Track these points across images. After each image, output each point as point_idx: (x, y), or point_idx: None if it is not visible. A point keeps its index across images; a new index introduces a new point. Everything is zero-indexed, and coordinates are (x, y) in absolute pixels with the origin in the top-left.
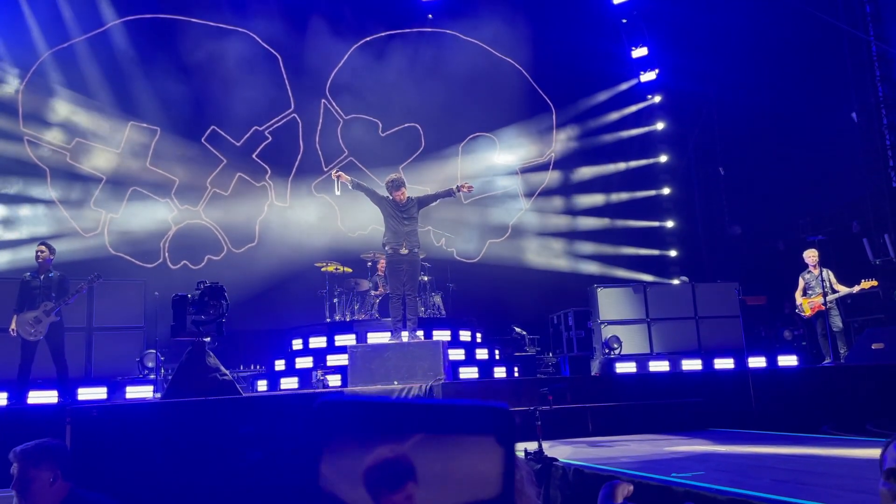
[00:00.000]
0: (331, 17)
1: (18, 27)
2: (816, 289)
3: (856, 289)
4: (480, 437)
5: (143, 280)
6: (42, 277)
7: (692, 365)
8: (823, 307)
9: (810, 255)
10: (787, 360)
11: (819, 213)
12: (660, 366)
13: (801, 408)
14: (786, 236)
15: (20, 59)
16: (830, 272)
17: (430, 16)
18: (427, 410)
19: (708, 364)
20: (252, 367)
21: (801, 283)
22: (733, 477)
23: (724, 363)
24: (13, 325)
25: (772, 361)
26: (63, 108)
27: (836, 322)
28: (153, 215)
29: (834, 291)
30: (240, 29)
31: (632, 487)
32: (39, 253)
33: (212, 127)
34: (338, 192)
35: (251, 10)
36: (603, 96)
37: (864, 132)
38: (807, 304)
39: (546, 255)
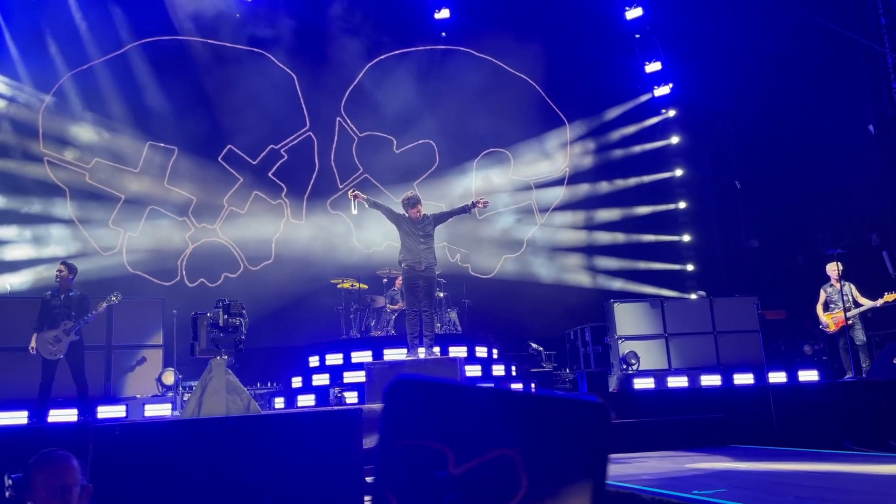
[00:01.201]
0: (345, 36)
1: (39, 50)
2: (839, 303)
3: (879, 302)
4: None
5: (161, 298)
6: (62, 297)
7: (711, 380)
8: (846, 322)
9: (832, 269)
10: (808, 375)
11: (838, 226)
12: (678, 381)
13: (822, 423)
14: (804, 250)
15: (41, 82)
16: (853, 286)
17: (443, 34)
18: (515, 399)
19: (727, 379)
20: (269, 385)
21: (823, 296)
22: (756, 494)
23: (743, 378)
24: (33, 344)
25: (792, 376)
26: (82, 128)
27: (860, 336)
28: (171, 234)
29: (857, 305)
30: (256, 49)
31: None
32: (59, 272)
33: (228, 146)
34: (354, 211)
35: (267, 30)
36: (617, 111)
37: (882, 144)
38: (831, 320)
39: (562, 271)
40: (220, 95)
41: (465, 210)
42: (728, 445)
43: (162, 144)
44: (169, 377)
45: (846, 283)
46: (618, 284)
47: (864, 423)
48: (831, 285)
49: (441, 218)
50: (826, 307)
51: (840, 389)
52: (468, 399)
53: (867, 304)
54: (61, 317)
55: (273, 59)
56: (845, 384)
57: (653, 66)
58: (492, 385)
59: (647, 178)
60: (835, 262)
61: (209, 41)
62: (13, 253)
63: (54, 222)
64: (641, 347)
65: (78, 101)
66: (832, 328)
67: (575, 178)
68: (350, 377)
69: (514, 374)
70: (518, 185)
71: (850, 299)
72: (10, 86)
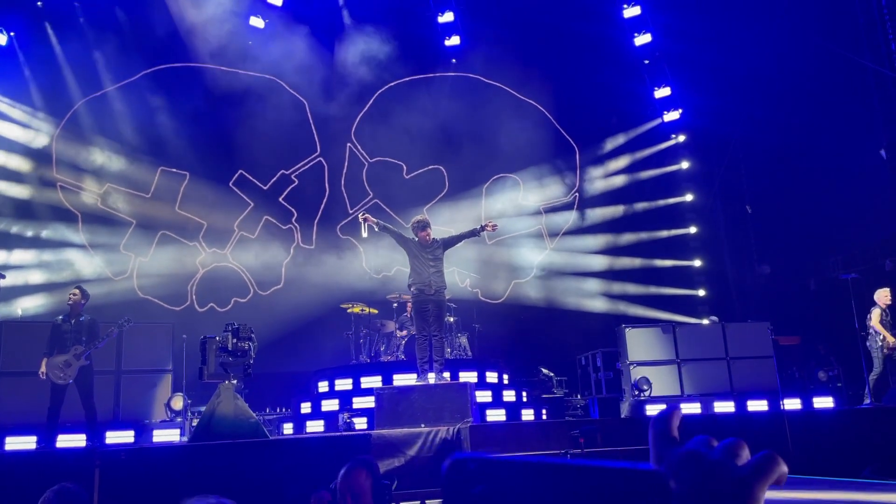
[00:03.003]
0: (356, 62)
1: (54, 77)
2: (889, 329)
3: None
4: None
5: (171, 323)
6: (73, 321)
7: (725, 407)
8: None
9: (884, 295)
10: (823, 402)
11: (851, 251)
12: (691, 408)
13: (840, 451)
14: (817, 275)
15: (55, 108)
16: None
17: (453, 60)
18: (574, 473)
19: (741, 406)
20: (278, 410)
21: (878, 313)
22: None
23: (757, 405)
24: (43, 369)
25: (807, 403)
26: (95, 154)
27: None
28: (181, 258)
29: None
30: (267, 76)
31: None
32: (72, 296)
33: (239, 171)
34: (364, 235)
35: (279, 57)
36: (626, 136)
37: (893, 169)
38: (890, 337)
39: (572, 295)
40: (232, 121)
41: (473, 233)
42: None
43: (174, 170)
44: (178, 402)
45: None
46: (629, 309)
47: (883, 451)
48: (883, 311)
49: (450, 242)
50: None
51: (858, 417)
52: (528, 477)
53: None
54: (72, 341)
55: (285, 85)
56: (863, 411)
57: (662, 92)
58: (548, 459)
59: (657, 203)
60: (886, 289)
61: (221, 68)
62: (25, 277)
63: (66, 247)
64: (653, 373)
65: (91, 128)
66: (892, 341)
67: (584, 202)
68: (359, 403)
69: (524, 399)
70: (528, 209)
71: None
72: (24, 112)
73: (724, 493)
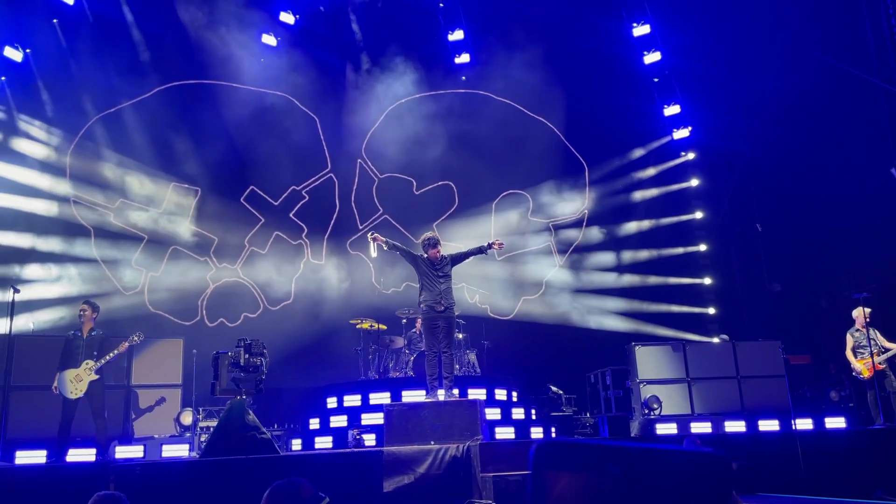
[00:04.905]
0: (367, 79)
1: (69, 94)
2: (867, 348)
3: None
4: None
5: (181, 338)
6: (85, 336)
7: (735, 426)
8: (881, 366)
9: (860, 314)
10: (835, 422)
11: (862, 270)
12: (702, 427)
13: (852, 471)
14: (828, 293)
15: (69, 124)
16: (877, 331)
17: (463, 77)
18: (644, 456)
19: (752, 425)
20: (286, 426)
21: (850, 341)
22: None
23: (768, 425)
24: (55, 383)
25: (818, 423)
26: (108, 169)
27: (893, 382)
28: (192, 274)
29: (885, 350)
30: (279, 93)
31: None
32: (82, 312)
33: (251, 187)
34: (374, 254)
35: (290, 74)
36: (636, 154)
37: None
38: (864, 366)
39: (581, 313)
40: (244, 137)
41: (481, 251)
42: (756, 494)
43: (186, 185)
44: (187, 417)
45: (871, 329)
46: (638, 327)
47: (895, 472)
48: (858, 330)
49: (458, 259)
50: (855, 354)
51: (869, 437)
52: (610, 461)
53: (895, 347)
54: (83, 356)
55: (296, 102)
56: (875, 432)
57: (671, 110)
58: (624, 443)
59: (666, 221)
60: (862, 308)
61: (233, 84)
62: (38, 292)
63: (79, 262)
64: (663, 392)
65: (105, 143)
66: (866, 374)
67: (594, 220)
68: (368, 419)
69: (533, 417)
70: (537, 226)
71: (877, 344)
72: (39, 128)
73: None
